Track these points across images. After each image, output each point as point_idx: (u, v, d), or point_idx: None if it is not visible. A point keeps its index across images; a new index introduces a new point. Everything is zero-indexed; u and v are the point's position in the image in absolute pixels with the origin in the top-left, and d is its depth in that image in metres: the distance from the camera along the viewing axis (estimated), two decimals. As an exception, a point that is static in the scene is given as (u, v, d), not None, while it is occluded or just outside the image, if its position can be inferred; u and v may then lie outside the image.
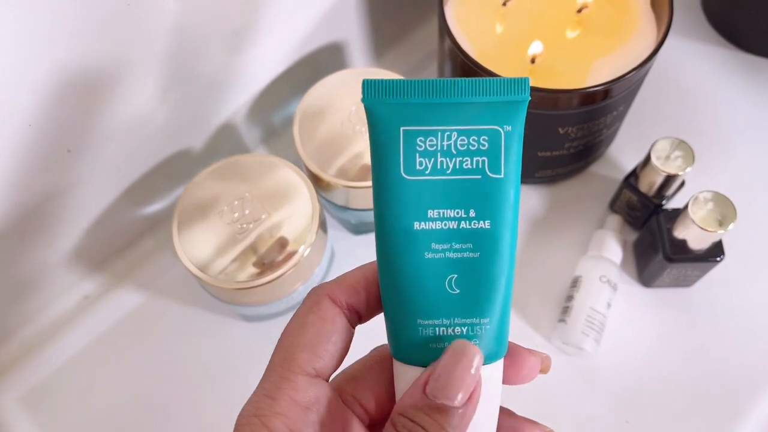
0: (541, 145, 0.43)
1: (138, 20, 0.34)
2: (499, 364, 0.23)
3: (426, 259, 0.22)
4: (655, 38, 0.41)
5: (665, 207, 0.43)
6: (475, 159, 0.22)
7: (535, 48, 0.41)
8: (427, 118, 0.22)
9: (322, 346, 0.22)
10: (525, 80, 0.22)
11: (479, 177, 0.22)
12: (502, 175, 0.22)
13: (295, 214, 0.39)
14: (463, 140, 0.22)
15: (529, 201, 0.48)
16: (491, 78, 0.22)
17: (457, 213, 0.22)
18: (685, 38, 0.55)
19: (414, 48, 0.54)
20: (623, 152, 0.50)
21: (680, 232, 0.39)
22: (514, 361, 0.23)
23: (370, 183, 0.41)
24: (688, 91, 0.53)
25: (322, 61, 0.49)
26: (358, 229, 0.48)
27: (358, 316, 0.24)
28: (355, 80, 0.43)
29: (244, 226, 0.39)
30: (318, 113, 0.42)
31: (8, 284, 0.41)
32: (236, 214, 0.39)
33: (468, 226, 0.22)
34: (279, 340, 0.23)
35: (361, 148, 0.41)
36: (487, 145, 0.22)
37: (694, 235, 0.38)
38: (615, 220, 0.45)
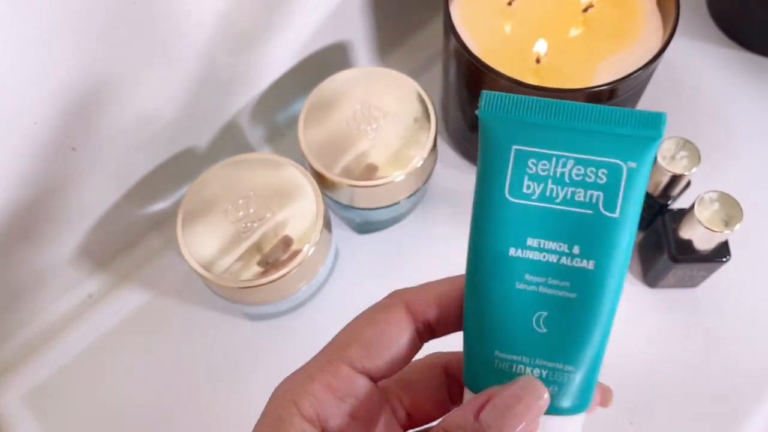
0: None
1: (144, 19, 0.34)
2: (579, 419, 0.21)
3: (517, 289, 0.21)
4: (661, 38, 0.41)
5: (671, 207, 0.43)
6: (589, 192, 0.20)
7: (540, 47, 0.41)
8: (543, 140, 0.20)
9: (380, 349, 0.21)
10: (662, 115, 0.20)
11: (591, 212, 0.20)
12: (617, 215, 0.20)
13: (300, 213, 0.39)
14: (579, 170, 0.20)
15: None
16: (625, 109, 0.20)
17: (560, 246, 0.20)
18: (691, 38, 0.55)
19: (419, 47, 0.53)
20: (628, 152, 0.50)
21: (686, 233, 0.39)
22: None
23: (374, 182, 0.41)
24: (694, 92, 0.52)
25: (327, 60, 0.49)
26: (362, 229, 0.48)
27: (431, 331, 0.22)
28: (360, 79, 0.43)
29: (249, 224, 0.39)
30: (323, 112, 0.42)
31: (12, 282, 0.41)
32: (241, 213, 0.39)
33: (569, 263, 0.20)
34: (342, 329, 0.22)
35: (365, 147, 0.41)
36: (605, 179, 0.20)
37: (699, 235, 0.38)
38: None
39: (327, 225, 0.41)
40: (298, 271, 0.39)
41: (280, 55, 0.45)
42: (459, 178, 0.49)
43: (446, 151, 0.51)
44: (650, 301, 0.44)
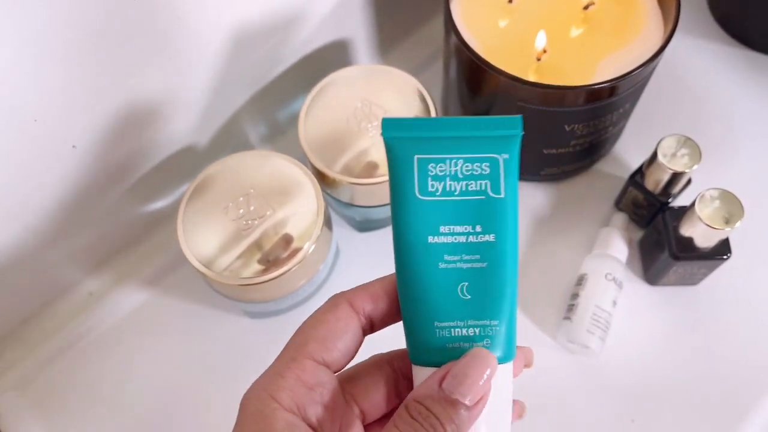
0: (546, 143, 0.43)
1: (143, 17, 0.34)
2: (509, 366, 0.25)
3: (440, 269, 0.25)
4: (662, 36, 0.41)
5: (671, 205, 0.43)
6: (478, 182, 0.25)
7: (540, 40, 0.41)
8: (437, 149, 0.25)
9: (333, 342, 0.24)
10: (518, 118, 0.25)
11: (483, 197, 0.25)
12: (502, 195, 0.25)
13: (300, 210, 0.39)
14: (467, 166, 0.25)
15: (534, 199, 0.48)
16: (490, 117, 0.26)
17: (465, 228, 0.25)
18: (692, 36, 0.54)
19: (419, 45, 0.53)
20: (629, 150, 0.50)
21: (687, 230, 0.39)
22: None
23: (374, 180, 0.41)
24: (695, 90, 0.52)
25: (328, 58, 0.49)
26: (362, 227, 0.48)
27: (371, 324, 0.26)
28: (361, 77, 0.43)
29: (249, 222, 0.39)
30: (323, 110, 0.42)
31: (13, 280, 0.41)
32: (241, 211, 0.39)
33: (475, 240, 0.25)
34: (294, 333, 0.25)
35: (366, 145, 0.41)
36: (488, 170, 0.25)
37: (700, 232, 0.38)
38: (620, 218, 0.45)
39: (327, 223, 0.41)
40: (299, 269, 0.39)
41: (281, 53, 0.45)
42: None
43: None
44: (651, 299, 0.44)
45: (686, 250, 0.40)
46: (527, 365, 0.26)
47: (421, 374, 0.24)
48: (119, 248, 0.46)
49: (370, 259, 0.47)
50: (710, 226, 0.37)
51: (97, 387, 0.44)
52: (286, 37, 0.44)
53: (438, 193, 0.25)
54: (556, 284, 0.45)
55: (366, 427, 0.26)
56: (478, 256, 0.25)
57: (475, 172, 0.25)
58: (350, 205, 0.44)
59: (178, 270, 0.46)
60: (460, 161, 0.25)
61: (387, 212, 0.45)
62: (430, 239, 0.25)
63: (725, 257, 0.40)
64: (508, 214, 0.25)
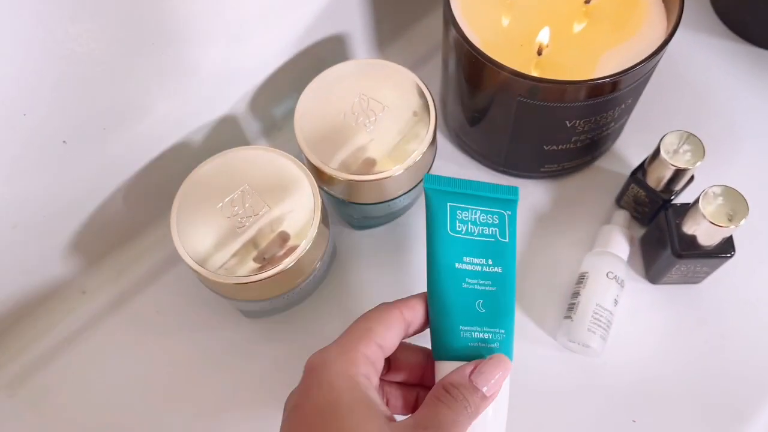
0: (547, 139, 0.42)
1: (134, 9, 0.33)
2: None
3: (463, 287, 0.33)
4: (664, 30, 0.41)
5: (674, 202, 0.42)
6: (491, 228, 0.35)
7: (543, 36, 0.40)
8: (462, 201, 0.36)
9: (387, 332, 0.32)
10: (517, 188, 0.36)
11: (493, 240, 0.35)
12: (507, 240, 0.35)
13: (296, 208, 0.39)
14: (483, 217, 0.35)
15: (534, 196, 0.48)
16: (499, 185, 0.36)
17: (481, 261, 0.34)
18: (694, 31, 0.54)
19: (418, 39, 0.53)
20: (630, 147, 0.49)
21: (690, 228, 0.39)
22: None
23: (372, 176, 0.40)
24: (696, 85, 0.52)
25: (325, 52, 0.48)
26: (360, 224, 0.47)
27: (406, 327, 0.33)
28: (358, 72, 0.43)
29: (244, 219, 0.38)
30: (320, 105, 0.41)
31: (5, 279, 0.41)
32: (236, 208, 0.38)
33: (488, 270, 0.34)
34: (357, 320, 0.32)
35: (363, 141, 0.40)
36: (497, 221, 0.35)
37: (704, 230, 0.38)
38: (622, 215, 0.45)
39: (324, 220, 0.40)
40: (295, 268, 0.38)
41: (277, 47, 0.44)
42: (458, 173, 0.49)
43: (445, 145, 0.50)
44: (652, 298, 0.44)
45: (689, 249, 0.39)
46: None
47: (443, 368, 0.32)
48: (113, 246, 0.45)
49: (368, 257, 0.46)
50: (714, 224, 0.36)
51: (91, 387, 0.43)
52: (283, 30, 0.44)
53: (463, 233, 0.35)
54: (557, 282, 0.44)
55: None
56: (489, 282, 0.34)
57: (488, 221, 0.36)
58: (347, 202, 0.43)
59: (172, 268, 0.46)
60: (479, 212, 0.36)
61: (385, 210, 0.45)
62: (457, 265, 0.34)
63: (729, 255, 0.39)
64: (510, 254, 0.35)
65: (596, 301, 0.40)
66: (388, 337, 0.31)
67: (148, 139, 0.41)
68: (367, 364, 0.30)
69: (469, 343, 0.32)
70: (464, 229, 0.35)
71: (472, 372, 0.30)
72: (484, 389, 0.30)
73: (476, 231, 0.35)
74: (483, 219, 0.36)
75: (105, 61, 0.34)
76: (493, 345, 0.33)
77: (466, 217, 0.35)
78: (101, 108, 0.36)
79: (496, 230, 0.35)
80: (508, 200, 0.36)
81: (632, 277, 0.44)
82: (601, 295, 0.40)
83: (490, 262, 0.34)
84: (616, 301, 0.41)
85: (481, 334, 0.33)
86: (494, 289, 0.34)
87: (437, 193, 0.36)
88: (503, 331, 0.33)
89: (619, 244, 0.42)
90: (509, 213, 0.36)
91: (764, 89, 0.51)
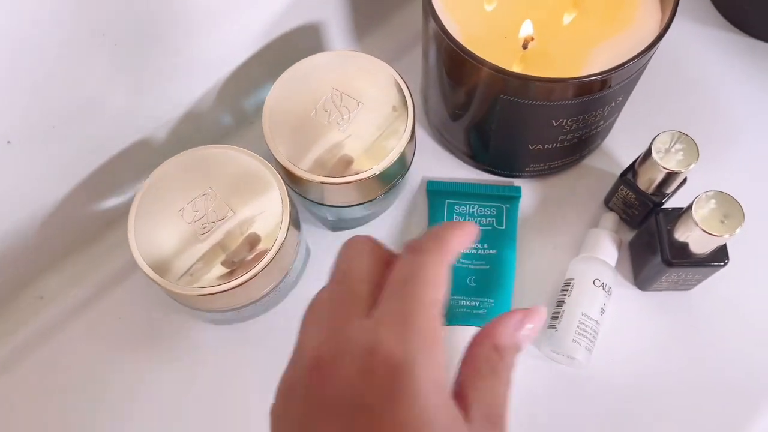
0: (532, 139, 0.40)
1: (83, -4, 0.30)
2: None
3: (456, 266, 0.41)
4: (659, 22, 0.38)
5: (665, 206, 0.40)
6: (488, 219, 0.43)
7: (526, 29, 0.38)
8: (461, 198, 0.44)
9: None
10: (518, 187, 0.44)
11: (490, 228, 0.43)
12: (504, 227, 0.43)
13: (264, 211, 0.36)
14: (481, 210, 0.43)
15: (519, 196, 0.45)
16: (503, 186, 0.44)
17: (476, 245, 0.42)
18: (690, 22, 0.51)
19: (397, 29, 0.50)
20: (621, 144, 0.47)
21: (681, 235, 0.36)
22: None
23: (347, 178, 0.38)
24: (692, 79, 0.49)
25: (299, 42, 0.45)
26: (336, 226, 0.45)
27: None
28: (332, 64, 0.40)
29: (207, 225, 0.35)
30: (290, 101, 0.39)
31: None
32: (198, 212, 0.36)
33: (483, 252, 0.42)
34: (406, 276, 0.25)
35: (337, 138, 0.38)
36: (495, 212, 0.43)
37: (696, 238, 0.35)
38: (611, 218, 0.42)
39: (294, 223, 0.38)
40: (264, 274, 0.36)
41: (247, 37, 0.41)
42: (439, 170, 0.46)
43: (427, 141, 0.47)
44: (640, 305, 0.42)
45: (680, 257, 0.37)
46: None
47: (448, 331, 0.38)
48: (71, 249, 0.43)
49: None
50: (708, 233, 0.34)
51: (47, 395, 0.41)
52: (254, 18, 0.41)
53: None
54: (541, 289, 0.42)
55: None
56: (483, 262, 0.42)
57: (486, 213, 0.43)
58: (321, 204, 0.40)
59: (135, 272, 0.43)
60: (476, 206, 0.43)
61: (361, 211, 0.42)
62: None
63: (722, 264, 0.37)
64: (507, 239, 0.42)
65: (582, 310, 0.38)
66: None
67: (104, 137, 0.38)
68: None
69: (455, 310, 0.39)
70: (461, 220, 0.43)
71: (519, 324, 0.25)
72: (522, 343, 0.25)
73: (473, 221, 0.42)
74: (481, 212, 0.43)
75: (50, 54, 0.31)
76: (480, 311, 0.39)
77: (463, 210, 0.43)
78: (49, 105, 0.33)
79: (493, 220, 0.43)
80: (509, 197, 0.44)
81: (620, 282, 0.42)
82: (587, 304, 0.38)
83: (485, 246, 0.42)
84: (602, 310, 0.39)
85: (468, 302, 0.40)
86: (488, 267, 0.41)
87: (437, 195, 0.44)
88: (492, 301, 0.40)
89: (606, 249, 0.40)
90: (508, 206, 0.43)
91: (764, 84, 0.49)
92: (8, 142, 0.33)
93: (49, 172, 0.36)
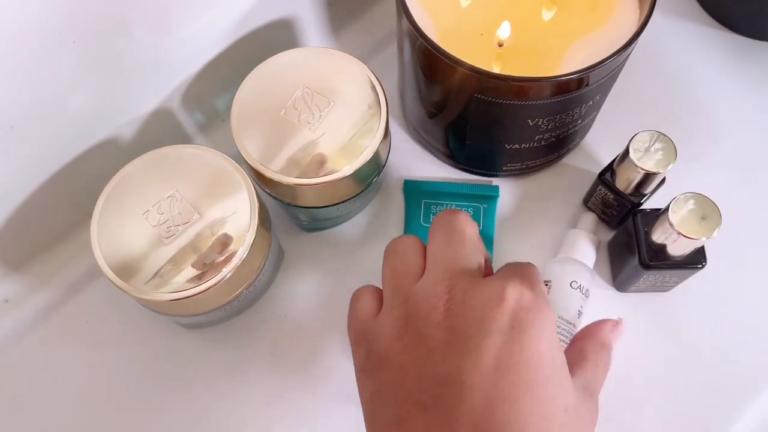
0: (508, 138, 0.39)
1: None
2: None
3: None
4: (638, 18, 0.37)
5: (643, 207, 0.39)
6: None
7: (503, 31, 0.37)
8: (438, 198, 0.44)
9: None
10: (496, 187, 0.44)
11: None
12: (481, 227, 0.42)
13: (232, 213, 0.35)
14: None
15: (497, 195, 0.44)
16: (480, 185, 0.44)
17: None
18: (671, 17, 0.50)
19: (373, 24, 0.49)
20: (601, 142, 0.46)
21: (659, 237, 0.36)
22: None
23: (318, 179, 0.37)
24: (673, 75, 0.48)
25: (271, 38, 0.44)
26: (309, 226, 0.44)
27: None
28: (304, 62, 0.39)
29: (172, 228, 0.34)
30: (259, 99, 0.37)
31: None
32: (163, 215, 0.34)
33: None
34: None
35: (308, 138, 0.37)
36: (472, 212, 0.43)
37: (674, 241, 0.35)
38: (589, 219, 0.42)
39: (264, 224, 0.37)
40: (232, 279, 0.35)
41: (216, 32, 0.40)
42: (417, 170, 0.45)
43: (404, 140, 0.46)
44: (620, 306, 0.41)
45: (658, 259, 0.36)
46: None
47: None
48: (36, 252, 0.42)
49: (318, 259, 0.43)
50: (685, 236, 0.34)
51: (12, 401, 0.40)
52: (223, 12, 0.39)
53: None
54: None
55: None
56: None
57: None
58: (293, 205, 0.39)
59: (102, 275, 0.42)
60: (453, 205, 0.43)
61: (335, 212, 0.41)
62: None
63: (700, 266, 0.36)
64: (484, 237, 0.42)
65: (558, 313, 0.38)
66: None
67: (65, 137, 0.37)
68: None
69: None
70: None
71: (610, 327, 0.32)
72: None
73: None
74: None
75: (12, 50, 0.30)
76: None
77: (439, 210, 0.43)
78: (10, 104, 0.32)
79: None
80: (486, 196, 0.43)
81: (598, 283, 0.42)
82: (563, 307, 0.38)
83: None
84: (580, 313, 0.38)
85: None
86: None
87: (414, 194, 0.44)
88: None
89: (584, 250, 0.40)
90: (485, 206, 0.43)
91: (746, 81, 0.48)
92: (-38, 143, 0.31)
93: (11, 172, 0.35)
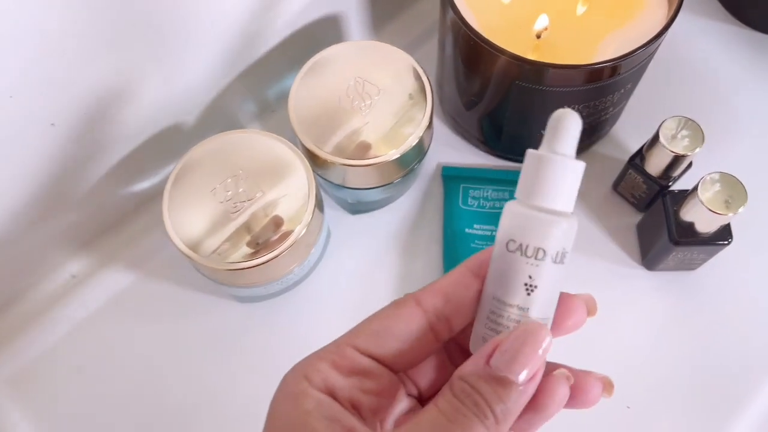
0: (544, 124, 0.41)
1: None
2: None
3: (471, 247, 0.44)
4: (665, 14, 0.40)
5: (671, 189, 0.42)
6: (501, 202, 0.44)
7: (541, 22, 0.39)
8: (475, 183, 0.46)
9: (387, 338, 0.23)
10: None
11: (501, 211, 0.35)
12: None
13: (291, 193, 0.38)
14: (495, 194, 0.46)
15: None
16: (514, 170, 0.43)
17: (491, 227, 0.44)
18: (694, 15, 0.53)
19: (414, 20, 0.52)
20: (627, 132, 0.48)
21: (688, 215, 0.38)
22: (558, 309, 0.23)
23: (368, 161, 0.40)
24: (696, 70, 0.51)
25: (319, 33, 0.47)
26: (355, 209, 0.47)
27: (448, 324, 0.24)
28: (354, 54, 0.42)
29: (238, 204, 0.37)
30: (315, 88, 0.40)
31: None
32: (229, 192, 0.37)
33: (493, 234, 0.43)
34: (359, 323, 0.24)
35: (358, 124, 0.40)
36: (508, 196, 0.45)
37: (702, 217, 0.37)
38: (570, 122, 0.25)
39: (319, 205, 0.40)
40: (289, 253, 0.38)
41: (271, 28, 0.43)
42: (454, 157, 0.48)
43: (440, 128, 0.49)
44: (648, 284, 0.44)
45: (687, 235, 0.39)
46: (590, 313, 0.24)
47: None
48: (103, 230, 0.45)
49: (363, 241, 0.46)
50: (713, 211, 0.36)
51: (80, 372, 0.42)
52: (276, 11, 0.42)
53: (474, 206, 0.45)
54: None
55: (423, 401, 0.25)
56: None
57: (501, 197, 0.45)
58: (342, 186, 0.42)
59: (163, 252, 0.45)
60: (490, 190, 0.46)
61: (380, 194, 0.44)
62: (467, 230, 0.45)
63: (726, 243, 0.39)
64: None
65: (494, 292, 0.23)
66: (385, 344, 0.23)
67: (139, 122, 0.40)
68: (330, 376, 0.22)
69: None
70: (476, 204, 0.45)
71: (490, 355, 0.21)
72: (518, 377, 0.20)
73: (487, 205, 0.45)
74: (494, 195, 0.45)
75: (91, 41, 0.33)
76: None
77: (477, 194, 0.45)
78: (89, 90, 0.35)
79: (504, 203, 0.43)
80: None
81: (627, 263, 0.44)
82: (501, 284, 0.23)
83: (495, 228, 0.43)
84: (530, 289, 0.22)
85: None
86: None
87: (452, 179, 0.46)
88: None
89: (557, 188, 0.23)
90: None
91: (765, 75, 0.51)
92: (52, 124, 0.35)
93: (87, 154, 0.38)
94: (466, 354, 0.23)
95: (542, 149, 0.24)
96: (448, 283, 0.24)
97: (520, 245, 0.23)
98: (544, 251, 0.23)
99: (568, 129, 0.24)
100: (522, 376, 0.20)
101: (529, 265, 0.23)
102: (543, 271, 0.22)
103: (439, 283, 0.24)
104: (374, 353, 0.23)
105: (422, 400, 0.25)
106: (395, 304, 0.24)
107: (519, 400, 0.20)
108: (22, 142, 0.34)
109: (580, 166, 0.23)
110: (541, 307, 0.23)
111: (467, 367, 0.21)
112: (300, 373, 0.22)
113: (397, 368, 0.24)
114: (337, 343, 0.23)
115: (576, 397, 0.22)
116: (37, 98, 0.33)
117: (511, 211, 0.23)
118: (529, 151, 0.24)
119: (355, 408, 0.22)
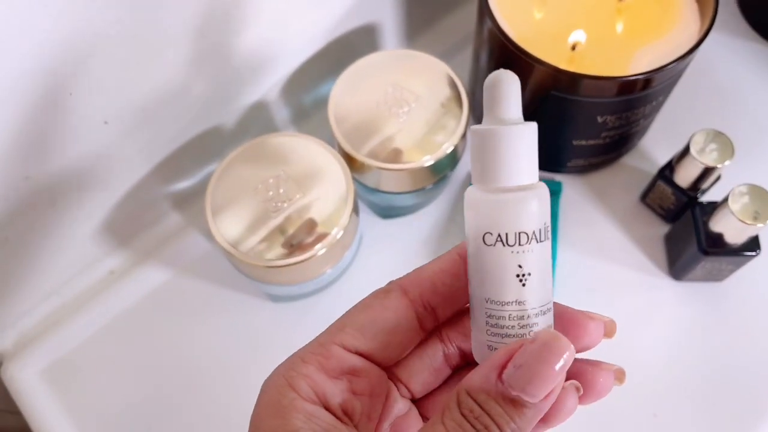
0: (577, 134, 0.43)
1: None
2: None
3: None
4: (697, 30, 0.41)
5: (700, 200, 0.42)
6: None
7: (577, 36, 0.41)
8: None
9: (373, 331, 0.22)
10: (559, 183, 0.47)
11: None
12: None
13: (329, 195, 0.39)
14: None
15: (559, 191, 0.48)
16: (544, 180, 0.35)
17: None
18: (722, 34, 0.54)
19: (448, 31, 0.53)
20: (656, 145, 0.49)
21: (717, 225, 0.39)
22: (571, 328, 0.21)
23: (402, 165, 0.41)
24: (723, 86, 0.52)
25: (355, 42, 0.48)
26: (386, 213, 0.48)
27: (432, 312, 0.22)
28: (391, 62, 0.43)
29: (278, 204, 0.38)
30: (354, 94, 0.42)
31: (35, 255, 0.41)
32: (270, 193, 0.39)
33: None
34: (340, 316, 0.23)
35: (392, 131, 0.41)
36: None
37: (731, 228, 0.38)
38: (508, 85, 0.21)
39: (355, 209, 0.41)
40: (325, 254, 0.39)
41: (311, 35, 0.45)
42: (484, 166, 0.49)
43: (472, 138, 0.50)
44: (675, 294, 0.44)
45: (716, 246, 0.40)
46: (608, 335, 0.22)
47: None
48: (142, 227, 0.46)
49: (392, 246, 0.47)
50: (743, 222, 0.37)
51: (116, 365, 0.44)
52: (317, 18, 0.44)
53: None
54: (578, 283, 0.45)
55: (420, 400, 0.24)
56: None
57: None
58: (376, 190, 0.43)
59: (199, 251, 0.46)
60: None
61: (411, 200, 0.45)
62: None
63: (755, 253, 0.39)
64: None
65: (485, 294, 0.21)
66: (372, 337, 0.21)
67: (182, 122, 0.41)
68: (317, 381, 0.21)
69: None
70: None
71: (503, 367, 0.18)
72: (533, 398, 0.18)
73: None
74: None
75: (142, 43, 0.35)
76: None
77: None
78: (141, 89, 0.36)
79: None
80: (550, 191, 0.36)
81: (654, 273, 0.45)
82: (489, 284, 0.21)
83: None
84: (522, 278, 0.21)
85: None
86: None
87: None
88: None
89: (519, 160, 0.21)
90: (550, 200, 0.43)
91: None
92: (105, 122, 0.36)
93: (134, 152, 0.40)
94: (452, 332, 0.23)
95: (486, 121, 0.21)
96: (437, 271, 0.22)
97: (499, 236, 0.20)
98: (527, 234, 0.20)
99: (508, 90, 0.21)
100: (536, 397, 0.18)
101: (515, 254, 0.20)
102: (531, 255, 0.20)
103: (426, 271, 0.22)
104: (361, 349, 0.21)
105: (415, 398, 0.24)
106: (380, 294, 0.22)
107: (532, 420, 0.18)
108: (76, 136, 0.36)
109: (532, 127, 0.21)
110: (539, 294, 0.21)
111: (476, 380, 0.19)
112: (284, 380, 0.21)
113: (385, 363, 0.22)
114: (320, 342, 0.21)
115: (587, 395, 0.21)
116: (91, 97, 0.34)
117: (474, 201, 0.21)
118: (473, 128, 0.21)
119: (347, 415, 0.21)
